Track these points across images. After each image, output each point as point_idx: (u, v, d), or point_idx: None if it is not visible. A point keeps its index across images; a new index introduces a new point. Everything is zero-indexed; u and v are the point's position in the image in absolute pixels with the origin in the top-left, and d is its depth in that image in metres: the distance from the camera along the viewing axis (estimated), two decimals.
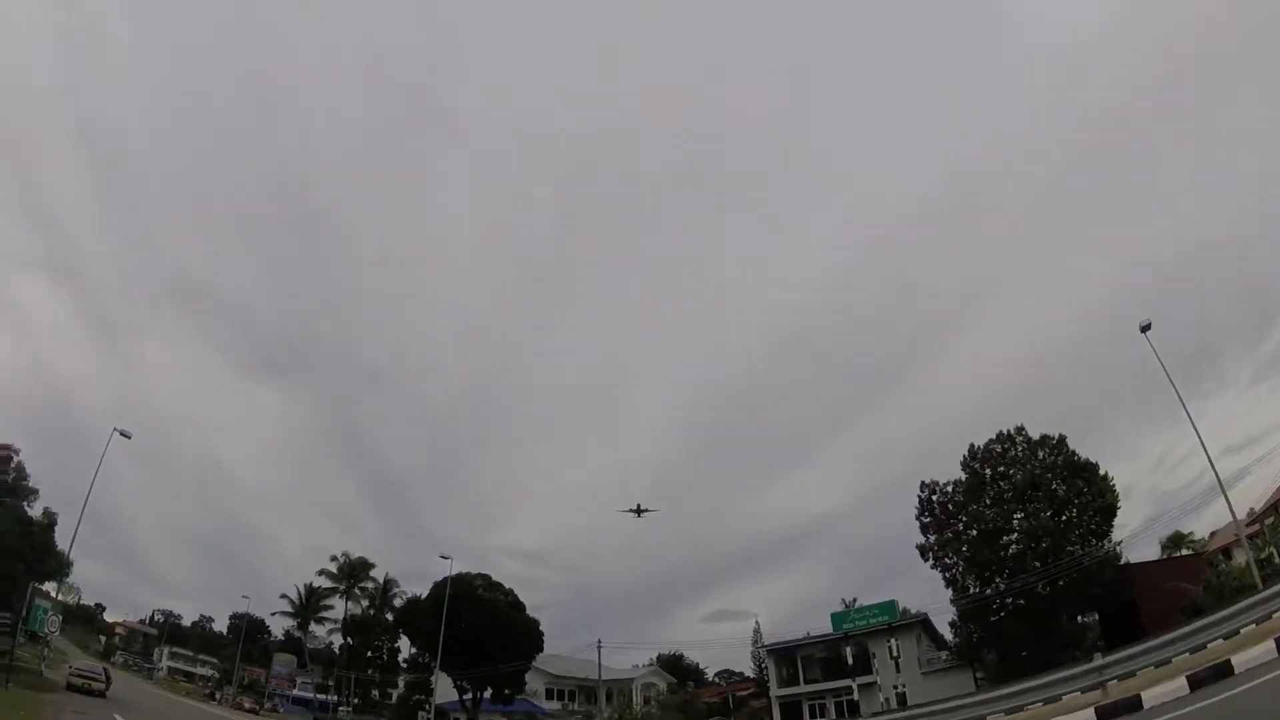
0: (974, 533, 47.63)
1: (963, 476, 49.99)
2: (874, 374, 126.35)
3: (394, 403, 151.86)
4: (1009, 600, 44.22)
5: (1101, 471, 43.65)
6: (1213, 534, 58.48)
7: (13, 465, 50.13)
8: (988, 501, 47.60)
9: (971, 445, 50.42)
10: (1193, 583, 37.27)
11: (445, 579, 60.77)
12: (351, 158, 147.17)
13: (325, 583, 70.99)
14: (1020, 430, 48.24)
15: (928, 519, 51.37)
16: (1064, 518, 43.43)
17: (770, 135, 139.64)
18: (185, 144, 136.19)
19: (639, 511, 64.62)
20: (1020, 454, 47.39)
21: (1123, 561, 44.65)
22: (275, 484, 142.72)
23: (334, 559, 70.45)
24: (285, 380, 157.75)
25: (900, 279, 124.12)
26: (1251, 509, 48.79)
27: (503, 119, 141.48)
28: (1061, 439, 45.87)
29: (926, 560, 50.22)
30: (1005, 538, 45.82)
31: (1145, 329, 34.28)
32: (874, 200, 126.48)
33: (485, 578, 67.83)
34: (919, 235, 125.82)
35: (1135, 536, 46.51)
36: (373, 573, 71.68)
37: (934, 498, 51.37)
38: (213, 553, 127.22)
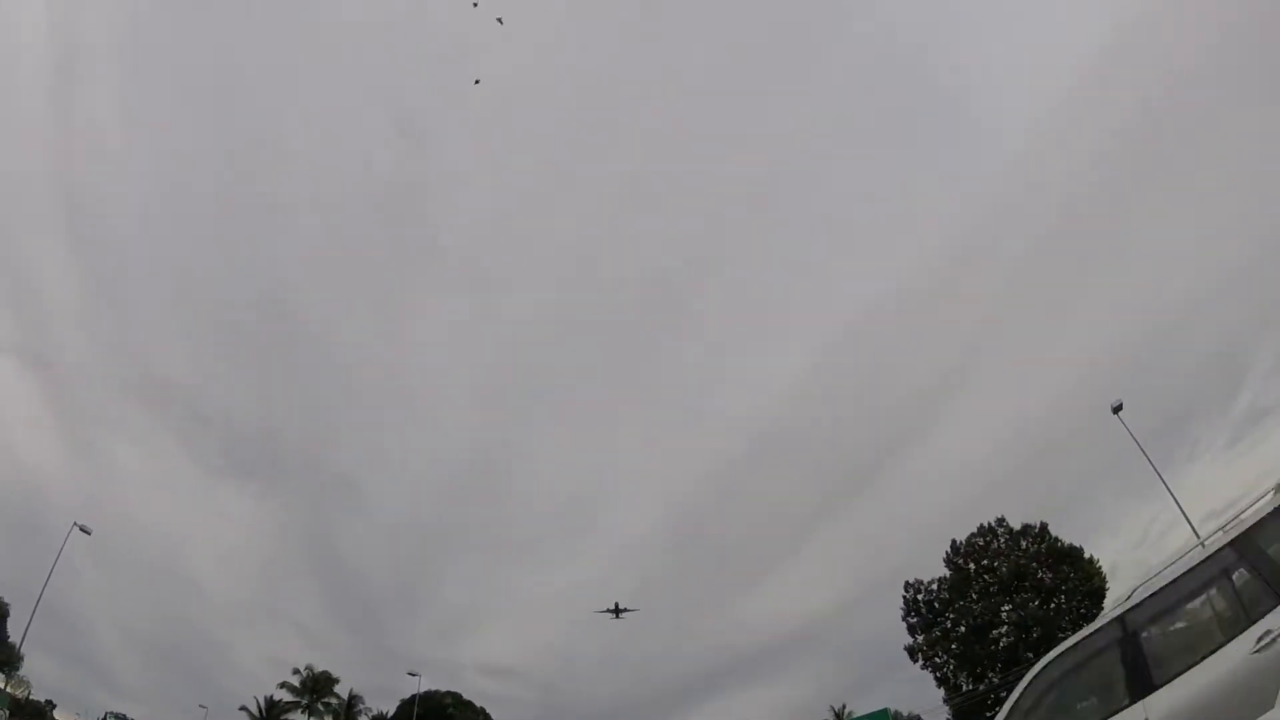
0: (962, 629, 47.25)
1: (947, 573, 50.01)
2: (851, 470, 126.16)
3: (364, 513, 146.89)
4: (1004, 695, 43.19)
5: (1086, 555, 44.22)
6: None
7: None
8: (974, 596, 47.49)
9: (953, 541, 50.74)
10: None
11: (414, 696, 58.34)
12: (333, 265, 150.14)
13: (286, 695, 66.56)
14: (1001, 521, 48.88)
15: (914, 619, 50.83)
16: (1053, 605, 43.46)
17: (742, 234, 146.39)
18: (167, 242, 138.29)
19: (617, 612, 62.47)
20: (1003, 545, 47.87)
21: None
22: (238, 590, 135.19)
23: (296, 671, 66.25)
24: (254, 485, 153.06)
25: (871, 372, 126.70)
26: None
27: (482, 233, 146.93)
28: (1043, 527, 46.61)
29: (916, 661, 49.38)
30: (995, 631, 45.55)
31: (1117, 410, 35.79)
32: (845, 293, 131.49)
33: (455, 696, 64.64)
34: (891, 326, 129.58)
35: None
36: (337, 688, 67.32)
37: (919, 597, 51.09)
38: (170, 657, 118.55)
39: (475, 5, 63.85)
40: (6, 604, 47.79)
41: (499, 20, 65.74)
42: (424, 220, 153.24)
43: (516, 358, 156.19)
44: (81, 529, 43.67)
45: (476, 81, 74.16)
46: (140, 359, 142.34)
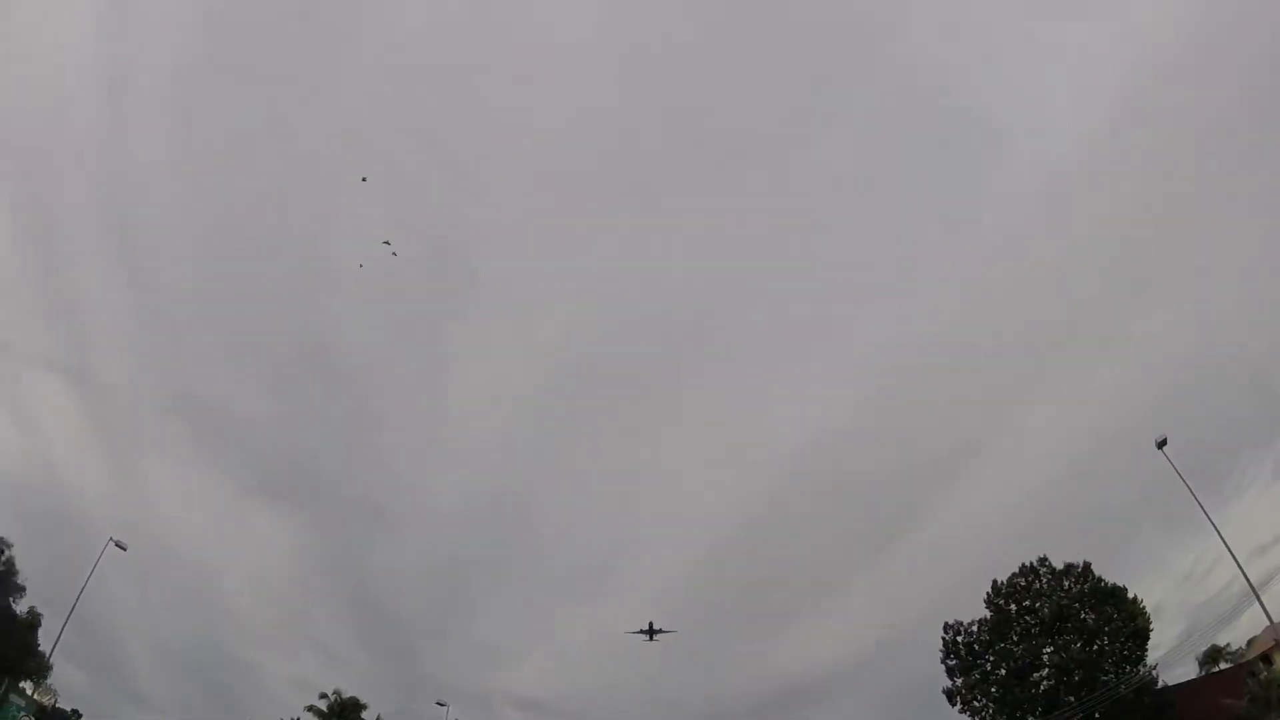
0: (1003, 671, 45.73)
1: (987, 614, 48.72)
2: (892, 509, 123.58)
3: (396, 541, 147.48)
4: None
5: (1130, 594, 42.75)
6: (1250, 641, 55.39)
7: (2, 559, 48.81)
8: (1015, 638, 46.12)
9: (995, 581, 49.48)
10: (1234, 696, 35.45)
11: None
12: (373, 299, 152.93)
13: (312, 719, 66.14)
14: (1044, 561, 47.56)
15: (953, 662, 49.30)
16: (1095, 647, 42.00)
17: (775, 277, 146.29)
18: (213, 272, 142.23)
19: (651, 633, 60.69)
20: (1045, 586, 46.43)
21: (1160, 685, 42.62)
22: (268, 611, 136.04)
23: (323, 696, 65.53)
24: (288, 510, 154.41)
25: (912, 411, 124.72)
26: None
27: (518, 267, 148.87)
28: (1086, 566, 45.17)
29: (955, 705, 47.64)
30: (1036, 674, 43.96)
31: (1161, 445, 34.87)
32: (883, 334, 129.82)
33: None
34: (930, 366, 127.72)
35: (1171, 657, 44.38)
36: (364, 714, 66.81)
37: (959, 639, 49.66)
38: (198, 675, 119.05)
39: (364, 180, 75.53)
40: (39, 614, 47.61)
41: (363, 179, 77.11)
42: (461, 256, 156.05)
43: (551, 392, 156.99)
44: (117, 544, 44.57)
45: (364, 179, 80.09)
46: (183, 383, 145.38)
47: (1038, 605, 45.74)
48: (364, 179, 77.83)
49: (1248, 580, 30.92)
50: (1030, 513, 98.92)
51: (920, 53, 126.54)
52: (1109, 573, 44.19)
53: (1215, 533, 32.04)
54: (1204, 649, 57.28)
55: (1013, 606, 47.25)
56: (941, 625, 50.24)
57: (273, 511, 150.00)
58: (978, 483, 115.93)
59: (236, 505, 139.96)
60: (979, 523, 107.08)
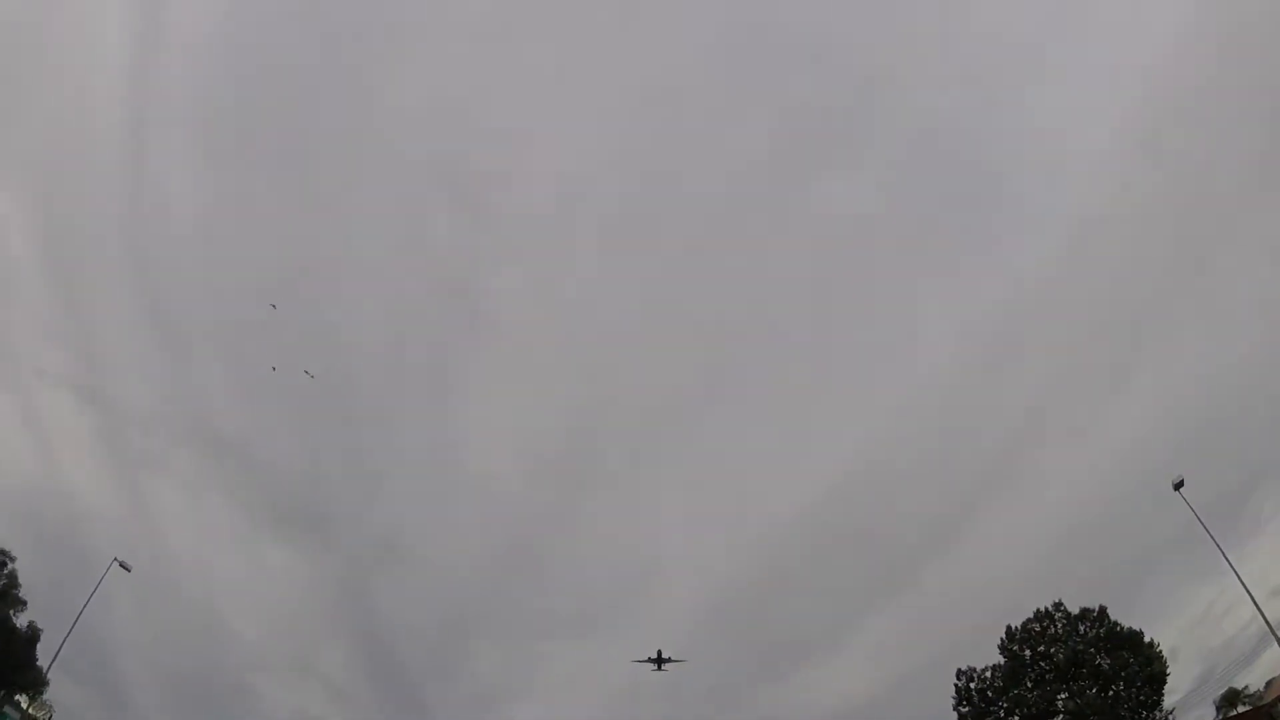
0: (1016, 718, 44.22)
1: (1001, 660, 47.69)
2: (903, 552, 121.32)
3: (404, 576, 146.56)
4: None
5: (1146, 638, 41.69)
6: (1269, 683, 53.54)
7: (5, 571, 48.83)
8: (1029, 684, 45.10)
9: (1009, 626, 48.61)
10: None
11: None
12: (388, 333, 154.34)
13: None
14: (1059, 606, 46.71)
15: (966, 709, 48.16)
16: (1111, 692, 40.94)
17: (793, 313, 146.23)
18: (230, 303, 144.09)
19: (659, 662, 58.58)
20: (1060, 631, 45.53)
21: None
22: (271, 641, 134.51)
23: None
24: (296, 540, 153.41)
25: (924, 457, 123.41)
26: None
27: (532, 307, 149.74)
28: (1102, 611, 44.35)
29: None
30: None
31: (1178, 487, 34.51)
32: (897, 374, 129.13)
33: None
34: (941, 409, 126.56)
35: (1188, 701, 43.13)
36: None
37: (972, 685, 48.56)
38: (198, 703, 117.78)
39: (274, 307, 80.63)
40: (39, 628, 47.79)
41: (273, 306, 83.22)
42: (474, 296, 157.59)
43: (560, 433, 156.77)
44: (121, 565, 45.12)
45: (273, 306, 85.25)
46: (196, 410, 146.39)
47: (1052, 651, 44.81)
48: (273, 306, 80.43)
49: (1266, 621, 30.19)
50: (1044, 556, 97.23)
51: (931, 100, 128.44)
52: (1124, 616, 43.39)
53: (1232, 573, 31.32)
54: (1222, 692, 55.89)
55: (1027, 652, 46.30)
56: (955, 671, 49.26)
57: (283, 545, 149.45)
58: (991, 527, 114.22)
59: (247, 536, 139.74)
60: (992, 567, 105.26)
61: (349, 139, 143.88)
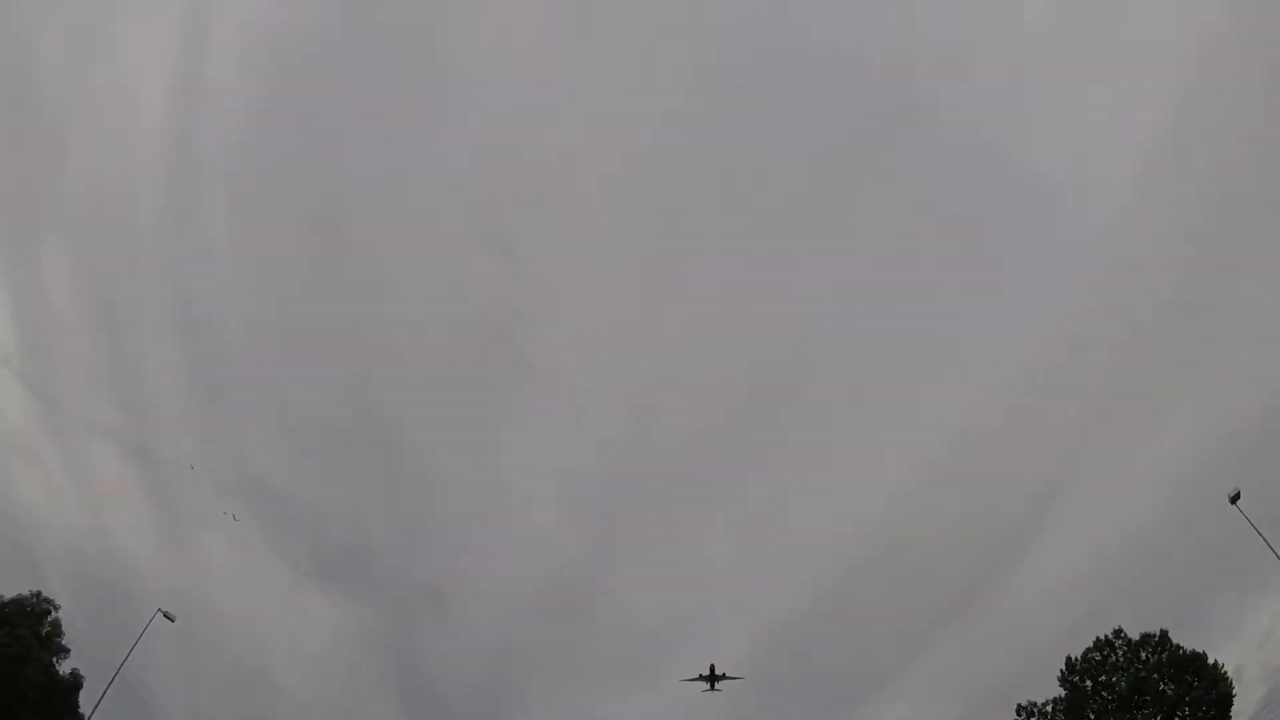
0: None
1: (1062, 693, 46.20)
2: (956, 586, 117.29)
3: (449, 626, 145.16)
4: None
5: (1210, 660, 39.94)
6: None
7: (49, 619, 49.55)
8: (1091, 716, 43.37)
9: (1069, 657, 47.21)
10: None
11: None
12: (430, 383, 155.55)
13: None
14: (1119, 633, 45.09)
15: None
16: (1177, 718, 38.66)
17: (835, 345, 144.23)
18: (272, 353, 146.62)
19: (713, 680, 54.50)
20: (1121, 659, 43.91)
21: None
22: (315, 692, 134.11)
23: None
24: (340, 591, 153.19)
25: (971, 485, 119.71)
26: None
27: (573, 354, 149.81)
28: (1164, 635, 42.75)
29: None
30: None
31: (1234, 499, 33.34)
32: (945, 404, 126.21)
33: None
34: (990, 439, 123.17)
35: None
36: None
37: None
38: None
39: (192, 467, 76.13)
40: (82, 676, 48.29)
41: (234, 518, 79.27)
42: (517, 341, 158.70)
43: (606, 475, 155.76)
44: (166, 615, 45.84)
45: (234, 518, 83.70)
46: (239, 461, 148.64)
47: (1114, 680, 43.15)
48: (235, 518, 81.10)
49: None
50: (1102, 581, 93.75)
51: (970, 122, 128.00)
52: (1185, 637, 41.67)
53: None
54: None
55: (1088, 683, 44.62)
56: (1014, 708, 48.07)
57: (327, 592, 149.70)
58: (1044, 556, 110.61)
59: (290, 586, 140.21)
60: (1048, 597, 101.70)
61: (388, 187, 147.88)
